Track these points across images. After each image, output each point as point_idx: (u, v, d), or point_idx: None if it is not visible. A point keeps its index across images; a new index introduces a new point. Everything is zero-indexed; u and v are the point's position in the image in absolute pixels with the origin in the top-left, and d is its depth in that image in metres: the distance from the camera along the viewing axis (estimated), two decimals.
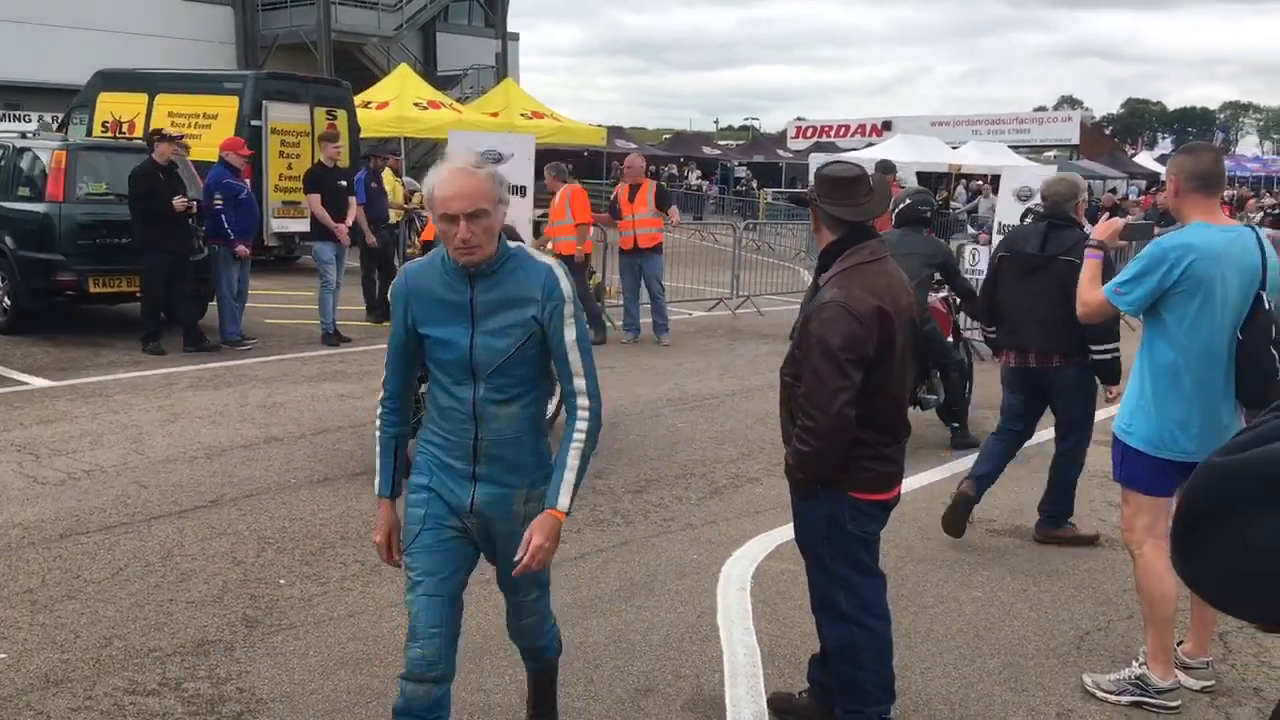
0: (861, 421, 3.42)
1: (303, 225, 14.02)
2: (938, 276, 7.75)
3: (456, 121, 21.07)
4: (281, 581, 5.06)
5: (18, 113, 24.72)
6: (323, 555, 5.39)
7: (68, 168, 10.55)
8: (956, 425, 8.05)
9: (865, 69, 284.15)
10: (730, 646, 4.52)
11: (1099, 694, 4.20)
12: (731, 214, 33.22)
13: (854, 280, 3.45)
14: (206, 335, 10.59)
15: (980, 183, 29.35)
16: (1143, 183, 39.70)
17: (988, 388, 9.71)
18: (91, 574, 5.04)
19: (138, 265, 10.20)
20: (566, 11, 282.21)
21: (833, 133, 42.38)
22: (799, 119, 49.81)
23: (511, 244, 3.05)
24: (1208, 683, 4.30)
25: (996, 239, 12.01)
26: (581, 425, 3.06)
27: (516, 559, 3.01)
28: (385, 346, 3.22)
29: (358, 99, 19.64)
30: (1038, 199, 9.86)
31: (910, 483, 6.22)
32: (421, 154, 26.15)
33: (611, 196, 12.57)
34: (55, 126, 17.85)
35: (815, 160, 17.75)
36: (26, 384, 8.84)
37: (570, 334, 3.03)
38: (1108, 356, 5.58)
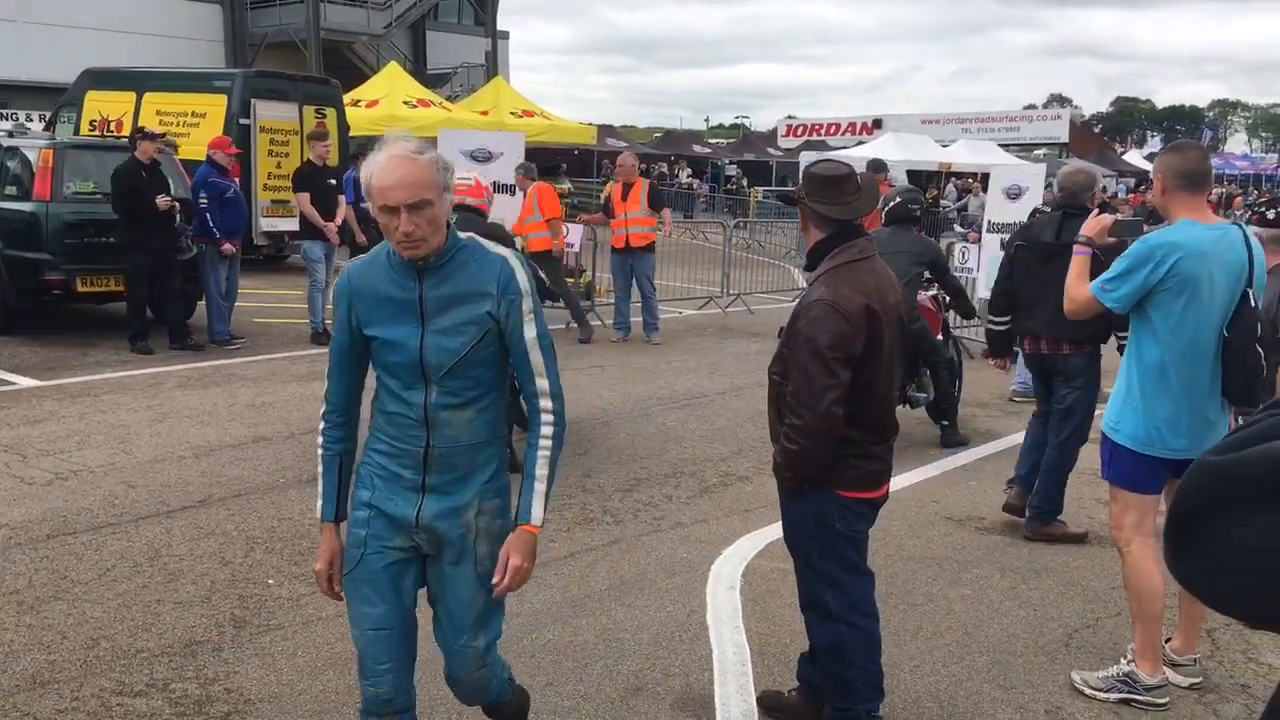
0: (849, 420, 3.42)
1: (292, 224, 14.00)
2: (927, 275, 7.77)
3: (446, 120, 21.04)
4: (270, 581, 5.04)
5: (5, 111, 24.62)
6: (311, 555, 5.34)
7: (55, 167, 10.50)
8: (946, 423, 8.06)
9: (856, 67, 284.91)
10: (720, 645, 4.52)
11: (1087, 691, 4.21)
12: (722, 212, 33.26)
13: (841, 279, 3.45)
14: (192, 334, 10.56)
15: (970, 181, 29.42)
16: (1131, 180, 39.85)
17: (977, 386, 9.74)
18: (79, 575, 5.02)
19: (125, 264, 10.16)
20: (557, 10, 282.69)
21: (823, 131, 42.39)
22: (789, 117, 49.88)
23: (463, 234, 2.84)
24: (1195, 679, 4.32)
25: (986, 237, 12.04)
26: (546, 430, 2.86)
27: (495, 581, 2.84)
28: None
29: (347, 97, 19.60)
30: (1042, 202, 9.89)
31: (899, 481, 6.23)
32: None
33: (604, 195, 12.57)
34: (44, 125, 17.78)
35: (805, 158, 17.74)
36: (14, 384, 8.80)
37: (530, 331, 2.81)
38: None
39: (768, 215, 27.91)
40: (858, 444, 3.49)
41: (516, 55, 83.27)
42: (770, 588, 5.11)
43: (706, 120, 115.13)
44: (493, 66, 32.97)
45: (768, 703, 4.00)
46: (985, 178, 17.58)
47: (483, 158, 12.91)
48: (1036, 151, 40.13)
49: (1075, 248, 4.43)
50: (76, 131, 16.93)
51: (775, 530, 4.94)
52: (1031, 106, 64.66)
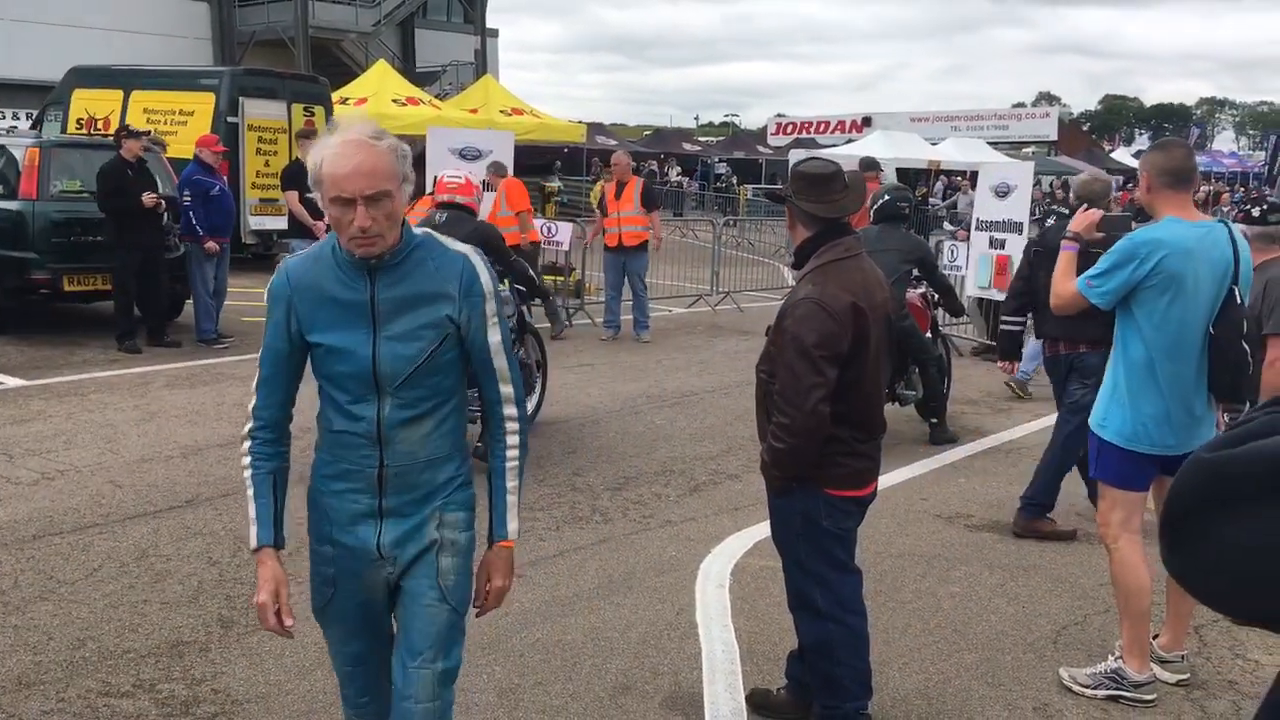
0: (836, 418, 3.42)
1: (280, 222, 13.94)
2: (916, 272, 7.78)
3: (435, 118, 20.96)
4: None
5: None
6: (299, 555, 5.30)
7: (41, 165, 10.45)
8: (934, 421, 8.08)
9: (846, 65, 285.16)
10: (709, 643, 4.52)
11: (1075, 688, 4.22)
12: (712, 210, 33.27)
13: (828, 277, 3.46)
14: (169, 331, 10.55)
15: (959, 179, 29.46)
16: (1120, 178, 39.93)
17: (966, 383, 9.76)
18: (65, 575, 4.99)
19: (112, 263, 10.13)
20: (547, 8, 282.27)
21: (813, 129, 42.39)
22: (779, 115, 49.89)
23: (418, 230, 2.57)
24: (1183, 676, 4.33)
25: (975, 235, 12.06)
26: (512, 440, 2.64)
27: (475, 605, 2.69)
28: None
29: (335, 95, 19.54)
30: (1060, 206, 9.91)
31: (888, 478, 6.24)
32: None
33: (598, 193, 12.57)
34: (30, 124, 17.68)
35: (795, 156, 17.75)
36: (0, 383, 8.75)
37: (495, 335, 2.57)
38: None
39: (757, 213, 27.94)
40: (845, 442, 3.50)
41: (506, 53, 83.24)
42: (759, 586, 5.12)
43: (696, 118, 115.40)
44: (482, 64, 32.91)
45: (756, 701, 4.00)
46: (974, 176, 17.62)
47: (472, 156, 12.89)
48: (1025, 150, 40.20)
49: (1063, 243, 4.44)
50: (63, 130, 16.84)
51: (764, 529, 4.93)
52: (1020, 105, 64.84)
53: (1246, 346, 3.98)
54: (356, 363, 2.49)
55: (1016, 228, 11.55)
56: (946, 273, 10.19)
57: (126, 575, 5.02)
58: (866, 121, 39.59)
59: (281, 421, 2.65)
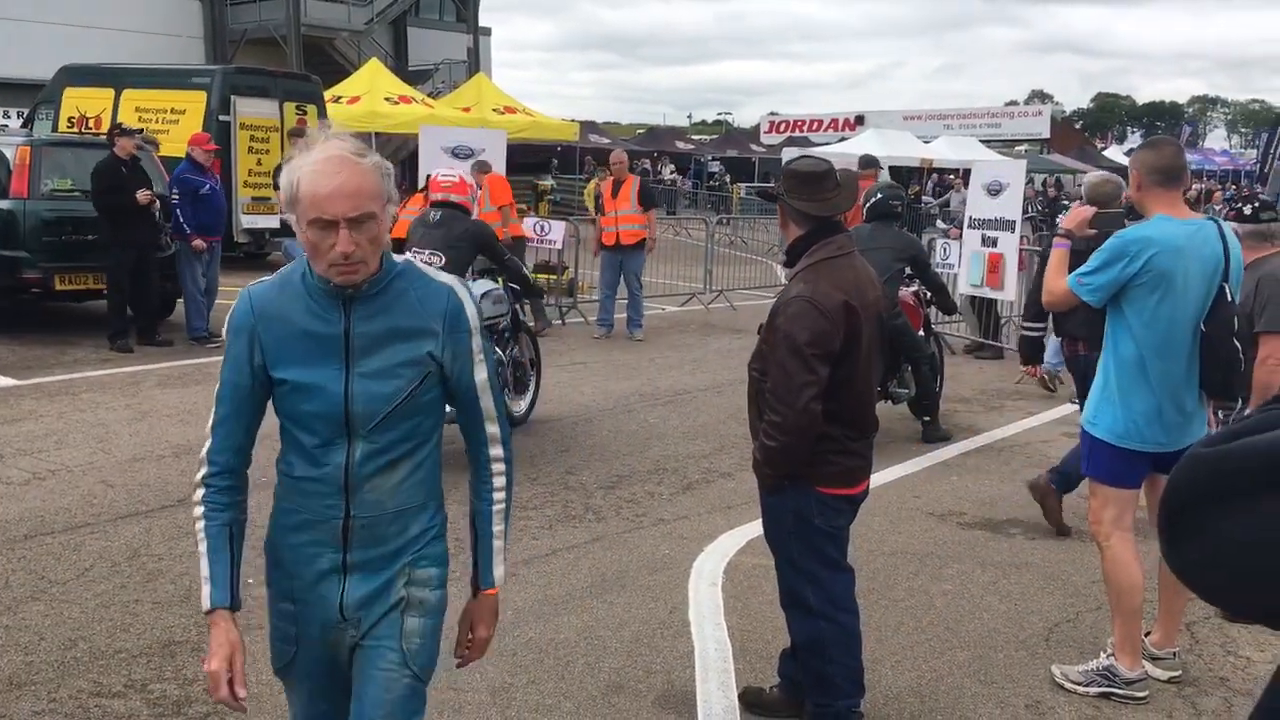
0: (828, 416, 3.43)
1: (273, 221, 13.94)
2: (908, 270, 7.79)
3: (428, 116, 20.93)
4: (249, 581, 4.99)
5: None
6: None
7: (32, 164, 10.42)
8: (927, 419, 8.09)
9: (839, 63, 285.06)
10: (701, 642, 4.52)
11: (1067, 685, 4.23)
12: (705, 209, 33.29)
13: (820, 275, 3.46)
14: (160, 330, 10.52)
15: (952, 177, 29.50)
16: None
17: (958, 381, 9.78)
18: (56, 575, 4.98)
19: (104, 262, 10.11)
20: (540, 6, 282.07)
21: (805, 127, 42.44)
22: (772, 114, 49.96)
23: (399, 258, 2.34)
24: (1175, 673, 4.34)
25: (968, 233, 12.07)
26: (499, 482, 2.45)
27: (457, 656, 2.54)
28: None
29: (328, 94, 19.52)
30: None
31: (880, 476, 6.25)
32: (393, 150, 26.02)
33: (593, 192, 12.57)
34: (21, 123, 17.63)
35: (788, 155, 17.78)
36: None
37: (481, 373, 2.36)
38: None
39: (750, 212, 27.96)
40: (837, 440, 3.50)
41: (499, 52, 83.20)
42: (752, 584, 5.12)
43: (689, 117, 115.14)
44: (475, 63, 32.86)
45: (749, 699, 4.00)
46: (967, 174, 17.63)
47: (464, 154, 12.90)
48: (1018, 148, 40.28)
49: (1054, 240, 4.46)
50: (54, 129, 16.79)
51: (757, 527, 4.93)
52: (1013, 103, 64.85)
53: (1238, 344, 3.99)
54: (326, 401, 2.27)
55: (1009, 226, 11.56)
56: (939, 271, 10.21)
57: (118, 575, 5.01)
58: (859, 120, 39.63)
59: (239, 468, 2.46)
